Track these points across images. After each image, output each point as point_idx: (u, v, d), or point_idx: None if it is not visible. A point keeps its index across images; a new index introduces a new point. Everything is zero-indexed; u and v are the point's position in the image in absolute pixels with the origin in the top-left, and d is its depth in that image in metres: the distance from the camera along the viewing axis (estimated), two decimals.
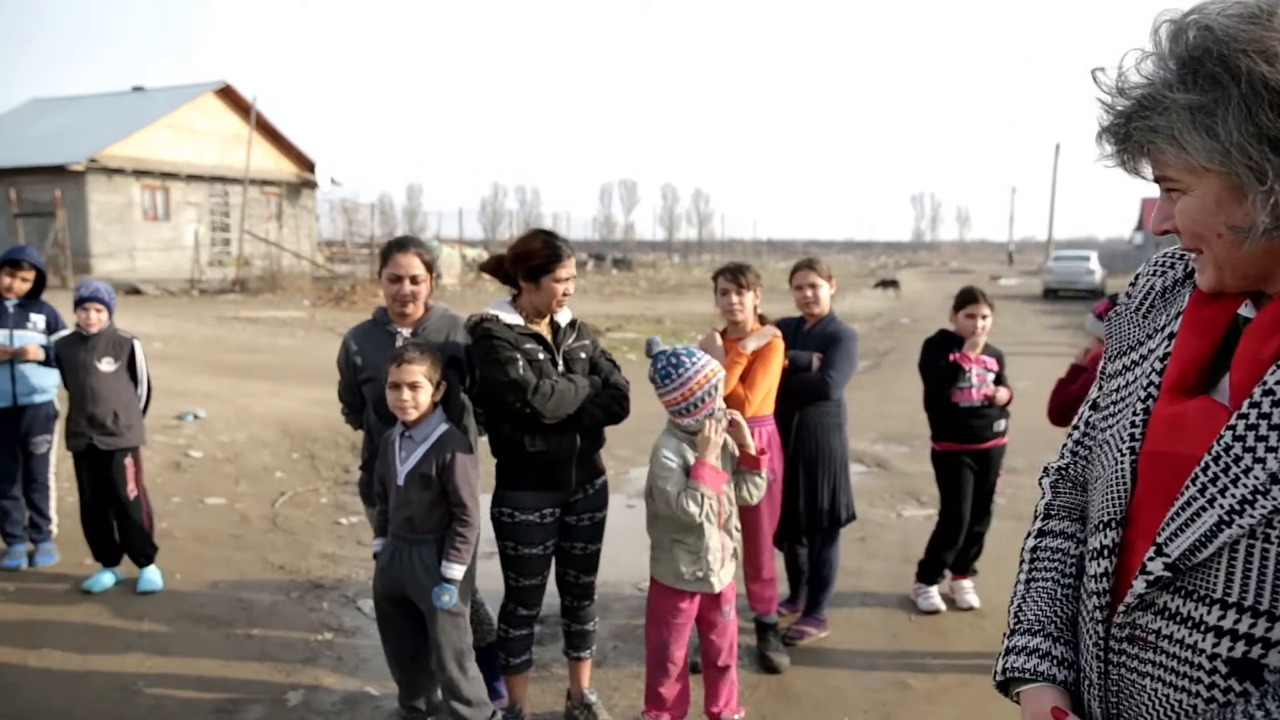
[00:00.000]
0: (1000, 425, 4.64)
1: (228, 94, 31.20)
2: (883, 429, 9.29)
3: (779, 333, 4.00)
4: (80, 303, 4.78)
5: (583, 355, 3.31)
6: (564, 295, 3.22)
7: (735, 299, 3.90)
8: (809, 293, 4.29)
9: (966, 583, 4.85)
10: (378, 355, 3.40)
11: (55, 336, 5.15)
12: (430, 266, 3.46)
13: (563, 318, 3.33)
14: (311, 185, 34.29)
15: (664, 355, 3.16)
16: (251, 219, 28.75)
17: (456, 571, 3.09)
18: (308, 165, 33.97)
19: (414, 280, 3.36)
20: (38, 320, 5.18)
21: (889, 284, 32.06)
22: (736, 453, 3.29)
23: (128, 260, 27.03)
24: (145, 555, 4.95)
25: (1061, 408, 4.18)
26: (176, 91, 31.66)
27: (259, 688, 3.89)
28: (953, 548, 4.72)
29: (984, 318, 4.62)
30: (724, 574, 3.24)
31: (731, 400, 3.91)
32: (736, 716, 3.37)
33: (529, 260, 3.19)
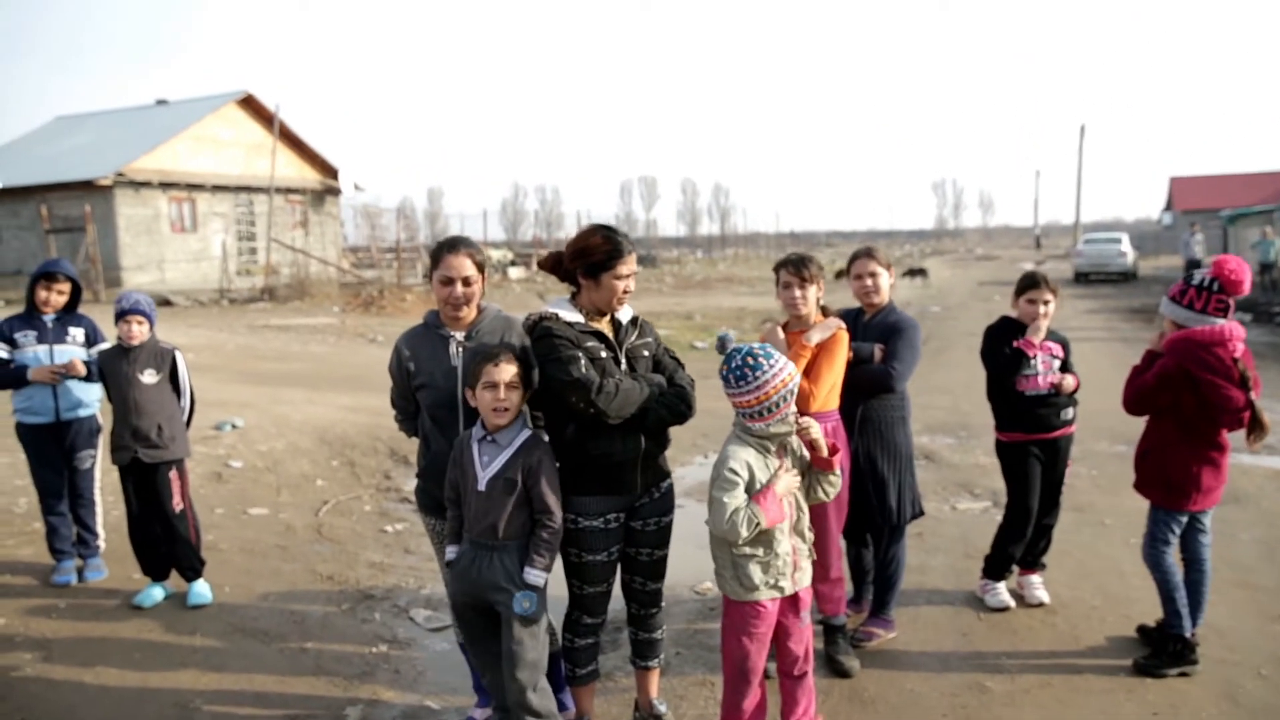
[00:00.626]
0: (1069, 413, 4.48)
1: (250, 104, 31.38)
2: (926, 420, 9.09)
3: (843, 325, 3.86)
4: (122, 315, 4.73)
5: (645, 353, 3.19)
6: (625, 292, 3.10)
7: (798, 292, 3.77)
8: (869, 282, 4.15)
9: (1035, 578, 4.69)
10: (431, 360, 3.30)
11: (96, 349, 5.11)
12: (482, 267, 3.35)
13: (624, 315, 3.21)
14: (335, 192, 34.44)
15: (739, 353, 2.98)
16: (277, 227, 28.90)
17: (539, 578, 3.00)
18: (331, 172, 34.12)
19: (466, 282, 3.26)
20: (77, 334, 5.14)
21: (917, 272, 31.68)
22: (806, 454, 3.14)
23: (157, 272, 27.26)
24: (193, 569, 4.89)
25: (1136, 396, 4.01)
26: (199, 103, 31.90)
27: (317, 703, 3.81)
28: (1021, 542, 4.55)
29: (1046, 303, 4.46)
30: (799, 576, 3.10)
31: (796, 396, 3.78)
32: None
33: (589, 256, 3.08)
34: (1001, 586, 4.61)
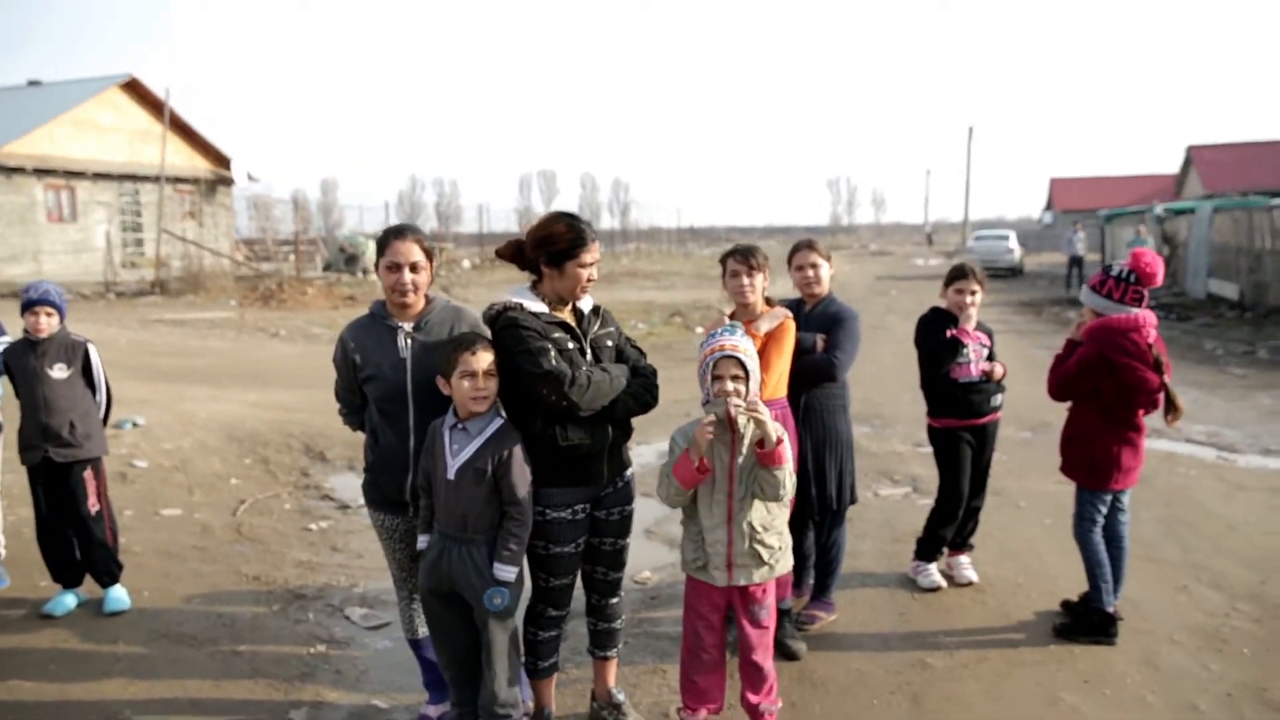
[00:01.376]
0: (998, 400, 4.66)
1: (134, 88, 29.85)
2: None
3: (790, 314, 3.92)
4: (29, 306, 4.44)
5: (609, 343, 3.17)
6: (589, 280, 3.08)
7: (746, 280, 3.81)
8: (810, 273, 4.23)
9: (964, 559, 4.87)
10: (379, 352, 3.22)
11: None
12: (430, 254, 3.28)
13: (585, 304, 3.19)
14: (227, 182, 33.10)
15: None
16: (167, 218, 27.57)
17: (509, 573, 2.95)
18: (223, 161, 32.76)
19: (414, 268, 3.18)
20: None
21: None
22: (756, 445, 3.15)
23: (33, 264, 25.67)
24: (110, 574, 4.63)
25: (1061, 383, 4.21)
26: (78, 85, 30.18)
27: (258, 708, 3.67)
28: (952, 524, 4.73)
29: (974, 292, 4.63)
30: (737, 573, 3.11)
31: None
32: (776, 707, 3.28)
33: (552, 244, 3.04)
34: (933, 567, 4.78)
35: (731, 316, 3.91)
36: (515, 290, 3.14)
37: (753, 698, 3.24)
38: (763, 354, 3.79)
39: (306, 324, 17.40)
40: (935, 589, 4.70)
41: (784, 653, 3.95)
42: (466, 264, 35.68)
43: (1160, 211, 23.46)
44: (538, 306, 3.07)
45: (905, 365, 12.38)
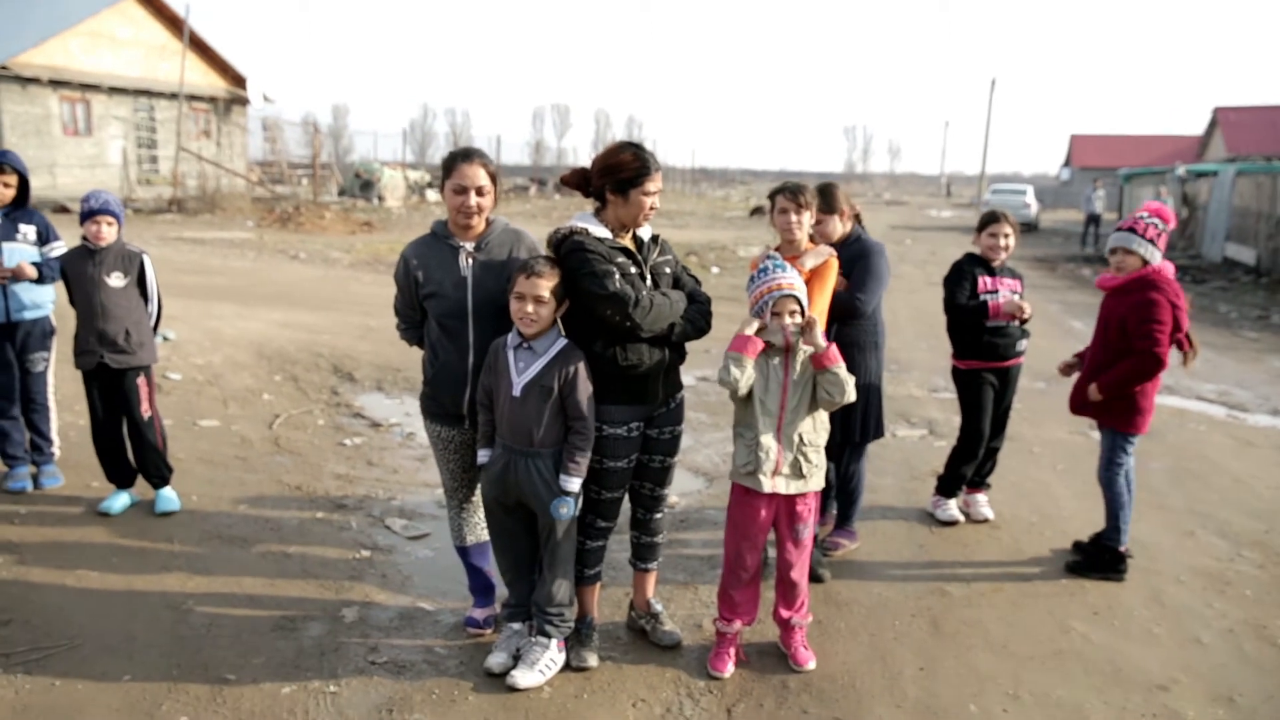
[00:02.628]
0: (1022, 344, 4.79)
1: (150, 1, 29.42)
2: None
3: (834, 252, 4.03)
4: (90, 215, 4.55)
5: (667, 270, 3.30)
6: (650, 209, 3.19)
7: (794, 217, 3.92)
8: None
9: (981, 496, 5.05)
10: (440, 269, 3.33)
11: (51, 249, 4.91)
12: (495, 178, 3.37)
13: (644, 232, 3.30)
14: (243, 102, 32.80)
15: (769, 260, 3.46)
16: (182, 136, 27.44)
17: (575, 484, 3.13)
18: (239, 81, 32.43)
19: (480, 192, 3.28)
20: (28, 231, 4.90)
21: None
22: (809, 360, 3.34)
23: (48, 177, 25.59)
24: (161, 476, 4.83)
25: (1163, 341, 4.12)
26: None
27: (311, 605, 3.88)
28: (972, 462, 4.90)
29: (1006, 235, 4.73)
30: (779, 481, 3.31)
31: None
32: (806, 621, 3.49)
33: (618, 172, 3.15)
34: (952, 503, 4.97)
35: (777, 251, 4.03)
36: (580, 216, 3.26)
37: (785, 612, 3.45)
38: (807, 290, 3.93)
39: (325, 248, 17.48)
40: (953, 523, 4.89)
41: (811, 576, 4.15)
42: None
43: (1182, 172, 23.27)
44: (601, 232, 3.19)
45: (919, 313, 12.60)
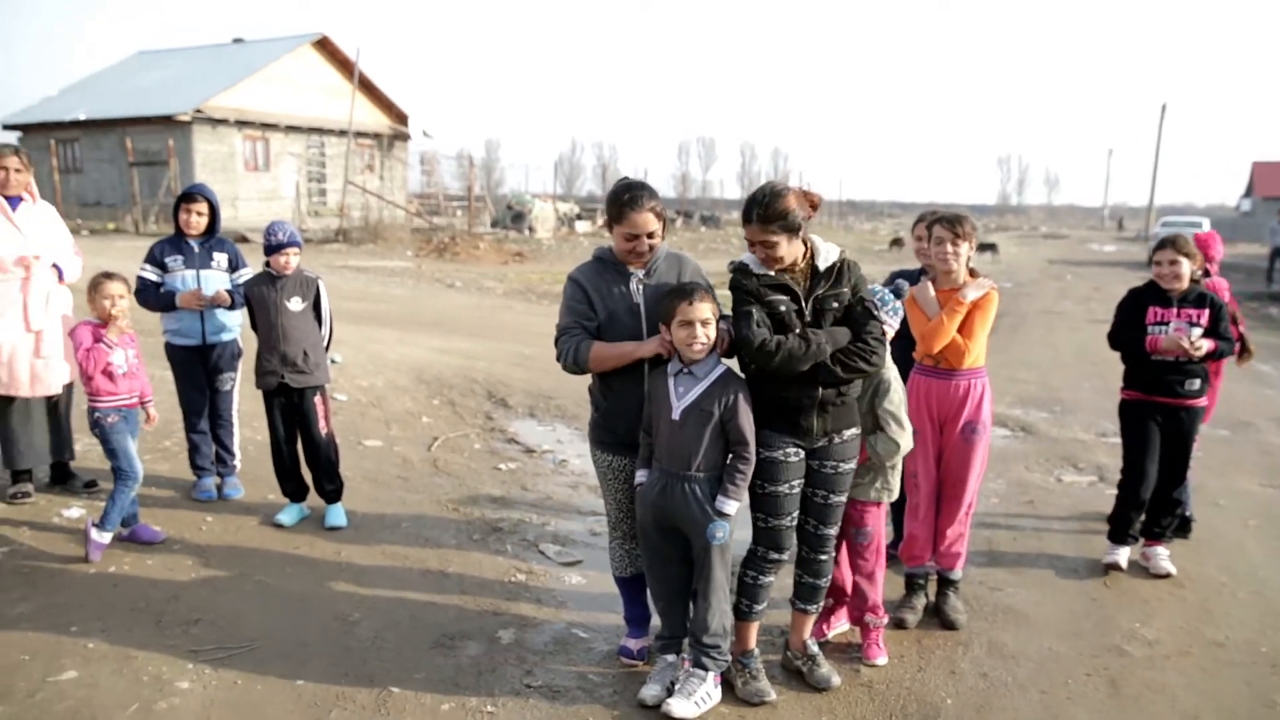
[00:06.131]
0: (1194, 384, 4.44)
1: (325, 46, 31.66)
2: (1017, 393, 9.05)
3: (994, 285, 3.89)
4: (280, 248, 4.86)
5: (835, 304, 3.21)
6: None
7: (950, 248, 3.80)
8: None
9: (1161, 549, 4.70)
10: (612, 298, 3.36)
11: (239, 275, 5.29)
12: (663, 218, 3.38)
13: (823, 260, 3.25)
14: (405, 137, 34.69)
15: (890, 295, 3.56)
16: (349, 170, 29.24)
17: (732, 507, 3.13)
18: (401, 118, 34.35)
19: (650, 236, 3.33)
20: (220, 259, 5.31)
21: (987, 247, 31.06)
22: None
23: (230, 210, 27.71)
24: (335, 490, 5.09)
25: None
26: (276, 43, 32.23)
27: (469, 624, 3.97)
28: (1137, 507, 4.58)
29: (1172, 262, 4.44)
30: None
31: (950, 350, 3.84)
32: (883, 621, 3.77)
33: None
34: (1123, 551, 4.67)
35: (933, 283, 3.92)
36: (747, 253, 3.27)
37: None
38: (968, 321, 3.83)
39: (480, 277, 18.18)
40: (1117, 568, 4.62)
41: (944, 622, 4.01)
42: None
43: None
44: (761, 269, 3.18)
45: (1082, 351, 11.92)
